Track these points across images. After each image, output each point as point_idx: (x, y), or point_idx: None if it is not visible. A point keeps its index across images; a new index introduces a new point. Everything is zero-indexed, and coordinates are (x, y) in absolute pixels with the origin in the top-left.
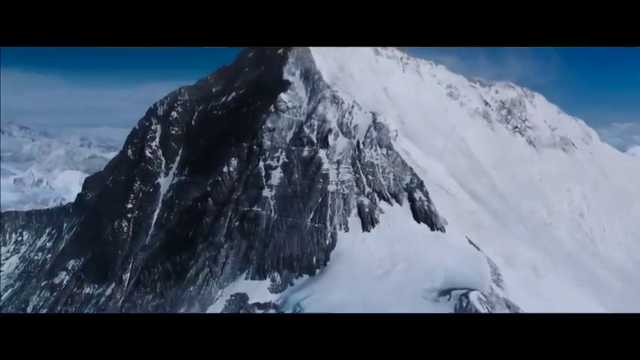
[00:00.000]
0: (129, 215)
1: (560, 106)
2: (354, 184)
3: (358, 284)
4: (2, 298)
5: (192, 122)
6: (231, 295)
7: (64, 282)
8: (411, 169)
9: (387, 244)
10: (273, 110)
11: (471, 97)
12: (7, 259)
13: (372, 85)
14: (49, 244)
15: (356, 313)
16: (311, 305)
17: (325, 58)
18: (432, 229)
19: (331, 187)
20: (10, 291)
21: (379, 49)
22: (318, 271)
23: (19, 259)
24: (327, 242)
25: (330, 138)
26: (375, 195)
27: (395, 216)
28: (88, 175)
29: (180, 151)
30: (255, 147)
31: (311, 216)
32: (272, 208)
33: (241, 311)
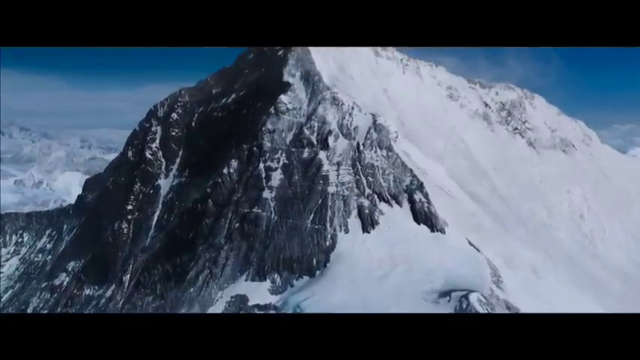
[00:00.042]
0: (129, 217)
1: (560, 108)
2: (354, 185)
3: (358, 286)
4: (2, 299)
5: (193, 124)
6: (231, 297)
7: (64, 283)
8: (411, 170)
9: (387, 246)
10: (273, 112)
11: (471, 98)
12: (7, 260)
13: (372, 86)
14: (49, 246)
15: (356, 313)
16: (311, 307)
17: (325, 60)
18: (432, 230)
19: (331, 189)
20: (10, 292)
21: (379, 50)
22: (318, 272)
23: (20, 260)
24: (327, 244)
25: (330, 139)
26: (375, 196)
27: (395, 217)
28: (88, 176)
29: (181, 153)
30: (255, 148)
31: (311, 217)
32: (272, 209)
33: (241, 312)
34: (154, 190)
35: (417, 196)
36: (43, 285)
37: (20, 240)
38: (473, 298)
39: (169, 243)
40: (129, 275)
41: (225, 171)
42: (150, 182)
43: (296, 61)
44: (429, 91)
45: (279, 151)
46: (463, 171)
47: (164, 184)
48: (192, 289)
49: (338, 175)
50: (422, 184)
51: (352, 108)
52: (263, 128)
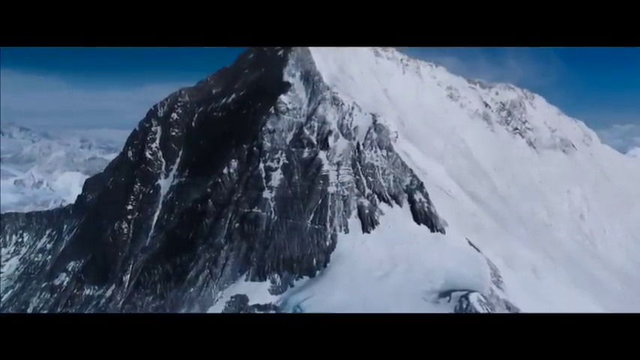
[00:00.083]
0: (129, 217)
1: (560, 108)
2: (354, 185)
3: (358, 286)
4: (2, 299)
5: (193, 124)
6: (231, 297)
7: (64, 283)
8: (411, 170)
9: (387, 246)
10: (273, 112)
11: (471, 98)
12: (7, 260)
13: (372, 86)
14: (49, 246)
15: (356, 313)
16: (311, 307)
17: (325, 60)
18: (432, 230)
19: (331, 189)
20: (10, 292)
21: (379, 50)
22: (318, 272)
23: (20, 260)
24: (327, 244)
25: (330, 139)
26: (375, 196)
27: (395, 217)
28: (88, 176)
29: (181, 153)
30: (255, 148)
31: (311, 217)
32: (272, 209)
33: (241, 312)
34: (154, 190)
35: (417, 196)
36: (43, 285)
37: (20, 240)
38: (473, 298)
39: (169, 243)
40: (129, 275)
41: (225, 171)
42: (150, 182)
43: (296, 61)
44: (429, 91)
45: (279, 151)
46: (463, 171)
47: (164, 184)
48: (192, 289)
49: (338, 175)
50: (422, 184)
51: (352, 108)
52: (263, 128)
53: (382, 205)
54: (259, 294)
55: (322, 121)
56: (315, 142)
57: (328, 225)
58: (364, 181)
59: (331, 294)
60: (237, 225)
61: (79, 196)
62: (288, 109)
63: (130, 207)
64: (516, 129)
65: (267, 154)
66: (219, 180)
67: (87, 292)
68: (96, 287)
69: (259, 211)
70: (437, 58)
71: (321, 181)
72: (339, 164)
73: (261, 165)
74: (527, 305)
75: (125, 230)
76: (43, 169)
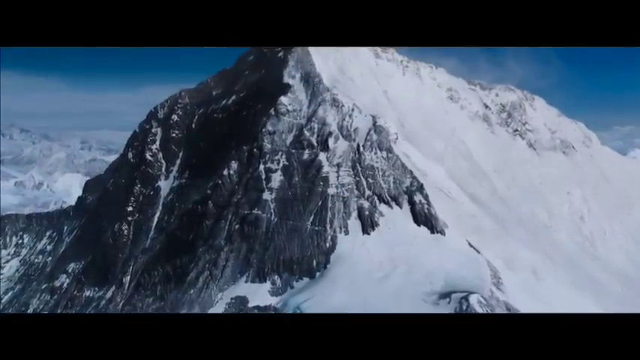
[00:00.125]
0: (129, 218)
1: (560, 109)
2: (354, 187)
3: (358, 287)
4: (2, 300)
5: (193, 125)
6: (232, 298)
7: (65, 285)
8: (411, 172)
9: (387, 247)
10: (273, 113)
11: (471, 100)
12: (7, 261)
13: (372, 88)
14: (49, 247)
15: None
16: (311, 308)
17: (325, 61)
18: (432, 232)
19: (331, 190)
20: (10, 294)
21: (379, 52)
22: (318, 274)
23: (20, 261)
24: (327, 245)
25: (331, 141)
26: (375, 198)
27: (395, 219)
28: (88, 178)
29: (181, 154)
30: (255, 150)
31: (311, 219)
32: (272, 211)
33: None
34: (154, 191)
35: (417, 197)
36: (44, 286)
37: (20, 241)
38: (473, 299)
39: (169, 244)
40: (129, 277)
41: (225, 172)
42: (150, 184)
43: (296, 62)
44: (429, 93)
45: (279, 153)
46: (463, 172)
47: (164, 185)
48: (192, 291)
49: (338, 177)
50: (422, 185)
51: (352, 109)
52: (263, 130)
53: (382, 207)
54: (259, 295)
55: (322, 123)
56: (315, 144)
57: (328, 226)
58: (364, 183)
59: (331, 295)
60: (237, 226)
61: (79, 197)
62: (288, 110)
63: (130, 208)
64: (516, 130)
65: (268, 156)
66: (220, 181)
67: (87, 293)
68: (96, 289)
69: (259, 212)
70: (437, 60)
71: (321, 183)
72: (339, 166)
73: (262, 166)
74: (527, 307)
75: (125, 232)
76: (44, 171)
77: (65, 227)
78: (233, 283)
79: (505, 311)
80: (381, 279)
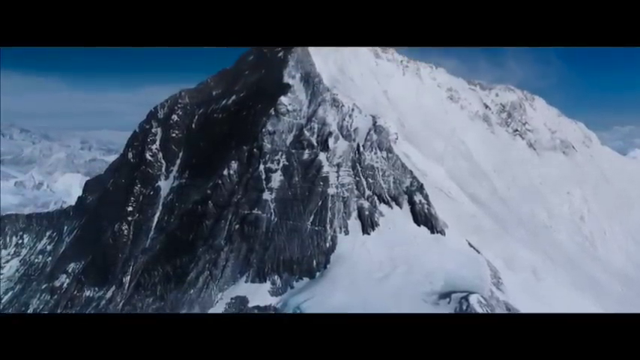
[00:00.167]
0: (129, 218)
1: (560, 109)
2: (354, 187)
3: (358, 287)
4: (2, 300)
5: (193, 125)
6: (232, 298)
7: (65, 285)
8: (411, 172)
9: (387, 247)
10: (273, 113)
11: (471, 100)
12: (7, 262)
13: (373, 88)
14: (49, 247)
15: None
16: (311, 308)
17: (325, 61)
18: (432, 232)
19: (331, 190)
20: (10, 294)
21: (379, 52)
22: (318, 274)
23: (20, 262)
24: (327, 245)
25: (331, 141)
26: (375, 198)
27: (395, 219)
28: (88, 178)
29: (181, 154)
30: (255, 150)
31: (311, 219)
32: (272, 211)
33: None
34: (154, 191)
35: (417, 197)
36: (44, 286)
37: (20, 241)
38: (473, 299)
39: (169, 244)
40: (129, 277)
41: (225, 172)
42: (150, 184)
43: (296, 62)
44: (429, 93)
45: (279, 153)
46: (463, 172)
47: (164, 185)
48: (192, 291)
49: (338, 177)
50: (422, 185)
51: (352, 109)
52: (263, 130)
53: (382, 207)
54: (259, 295)
55: (322, 123)
56: (315, 144)
57: (328, 226)
58: (364, 183)
59: (331, 295)
60: (237, 226)
61: (79, 197)
62: (288, 110)
63: (130, 208)
64: (516, 130)
65: (268, 156)
66: (220, 181)
67: (87, 293)
68: (96, 289)
69: (259, 212)
70: (437, 60)
71: (321, 183)
72: (339, 166)
73: (261, 166)
74: (527, 307)
75: (125, 232)
76: (44, 171)
77: (65, 227)
78: (233, 283)
79: (505, 311)
80: (381, 279)
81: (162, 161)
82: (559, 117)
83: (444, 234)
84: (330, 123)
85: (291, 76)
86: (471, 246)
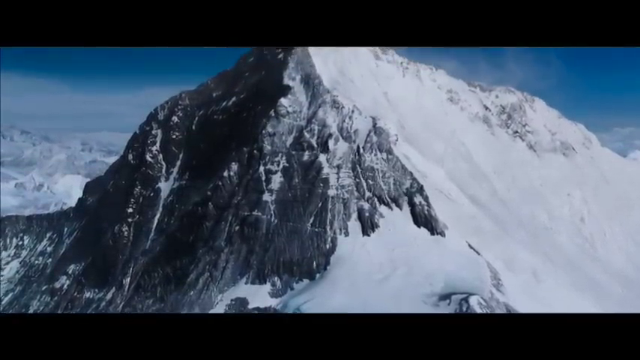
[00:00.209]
0: (129, 220)
1: (560, 111)
2: (354, 188)
3: (358, 288)
4: (3, 302)
5: (193, 127)
6: (232, 300)
7: (65, 286)
8: (411, 173)
9: (387, 249)
10: (273, 115)
11: (471, 101)
12: (7, 263)
13: (373, 89)
14: (49, 249)
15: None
16: (311, 309)
17: (325, 63)
18: (432, 233)
19: (331, 192)
20: (10, 295)
21: (379, 53)
22: (318, 275)
23: (20, 263)
24: (327, 247)
25: (331, 142)
26: (375, 199)
27: (395, 220)
28: (88, 179)
29: (181, 156)
30: (255, 151)
31: (311, 220)
32: (272, 212)
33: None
34: (154, 193)
35: (417, 199)
36: (44, 288)
37: (21, 243)
38: (473, 301)
39: (169, 246)
40: (129, 278)
41: (225, 174)
42: (150, 185)
43: (296, 64)
44: (429, 95)
45: (280, 154)
46: (463, 174)
47: (164, 187)
48: (192, 292)
49: (338, 178)
50: (422, 187)
51: (352, 111)
52: (263, 131)
53: (382, 208)
54: (259, 297)
55: (322, 124)
56: (316, 145)
57: (328, 228)
58: (364, 184)
59: (331, 297)
60: (237, 228)
61: (79, 199)
62: (288, 112)
63: (130, 210)
64: (516, 132)
65: (268, 157)
66: (220, 183)
67: (87, 295)
68: (96, 290)
69: (259, 214)
70: (437, 61)
71: (321, 184)
72: (339, 167)
73: (262, 168)
74: (527, 308)
75: (125, 233)
76: (44, 172)
77: (65, 229)
78: (233, 285)
79: (505, 312)
80: (381, 280)
81: (163, 163)
82: (559, 118)
83: (444, 235)
84: (330, 124)
85: (292, 78)
86: (471, 247)
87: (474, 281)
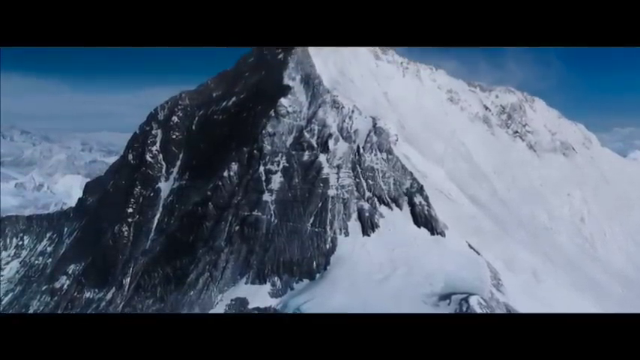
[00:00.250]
0: (129, 220)
1: (560, 111)
2: (354, 188)
3: (358, 289)
4: (3, 302)
5: (193, 127)
6: (232, 300)
7: (65, 286)
8: (411, 173)
9: (387, 249)
10: (273, 115)
11: (472, 101)
12: (7, 263)
13: (373, 89)
14: (49, 249)
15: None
16: (311, 310)
17: (325, 63)
18: (432, 233)
19: (331, 192)
20: (10, 295)
21: (379, 53)
22: (318, 275)
23: (20, 263)
24: (327, 247)
25: (331, 142)
26: (375, 199)
27: (395, 220)
28: (88, 179)
29: (181, 156)
30: (255, 151)
31: (311, 220)
32: (272, 212)
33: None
34: (154, 193)
35: (417, 199)
36: (44, 288)
37: (21, 243)
38: (473, 301)
39: (169, 246)
40: (129, 278)
41: (225, 174)
42: (150, 185)
43: (296, 64)
44: (429, 95)
45: (280, 154)
46: (463, 174)
47: (164, 187)
48: (192, 292)
49: (338, 178)
50: (422, 187)
51: (352, 111)
52: (263, 131)
53: (382, 208)
54: (259, 297)
55: (322, 124)
56: (316, 145)
57: (328, 228)
58: (364, 184)
59: (331, 297)
60: (237, 228)
61: (79, 199)
62: (288, 112)
63: (130, 210)
64: (516, 132)
65: (268, 157)
66: (220, 183)
67: (87, 295)
68: (96, 290)
69: (259, 214)
70: (437, 61)
71: (321, 184)
72: (339, 167)
73: (262, 168)
74: (528, 308)
75: (125, 233)
76: (44, 172)
77: (65, 229)
78: (233, 285)
79: (505, 312)
80: (381, 280)
81: (163, 163)
82: (559, 118)
83: (444, 235)
84: (330, 124)
85: (292, 78)
86: (471, 247)
87: (474, 281)
